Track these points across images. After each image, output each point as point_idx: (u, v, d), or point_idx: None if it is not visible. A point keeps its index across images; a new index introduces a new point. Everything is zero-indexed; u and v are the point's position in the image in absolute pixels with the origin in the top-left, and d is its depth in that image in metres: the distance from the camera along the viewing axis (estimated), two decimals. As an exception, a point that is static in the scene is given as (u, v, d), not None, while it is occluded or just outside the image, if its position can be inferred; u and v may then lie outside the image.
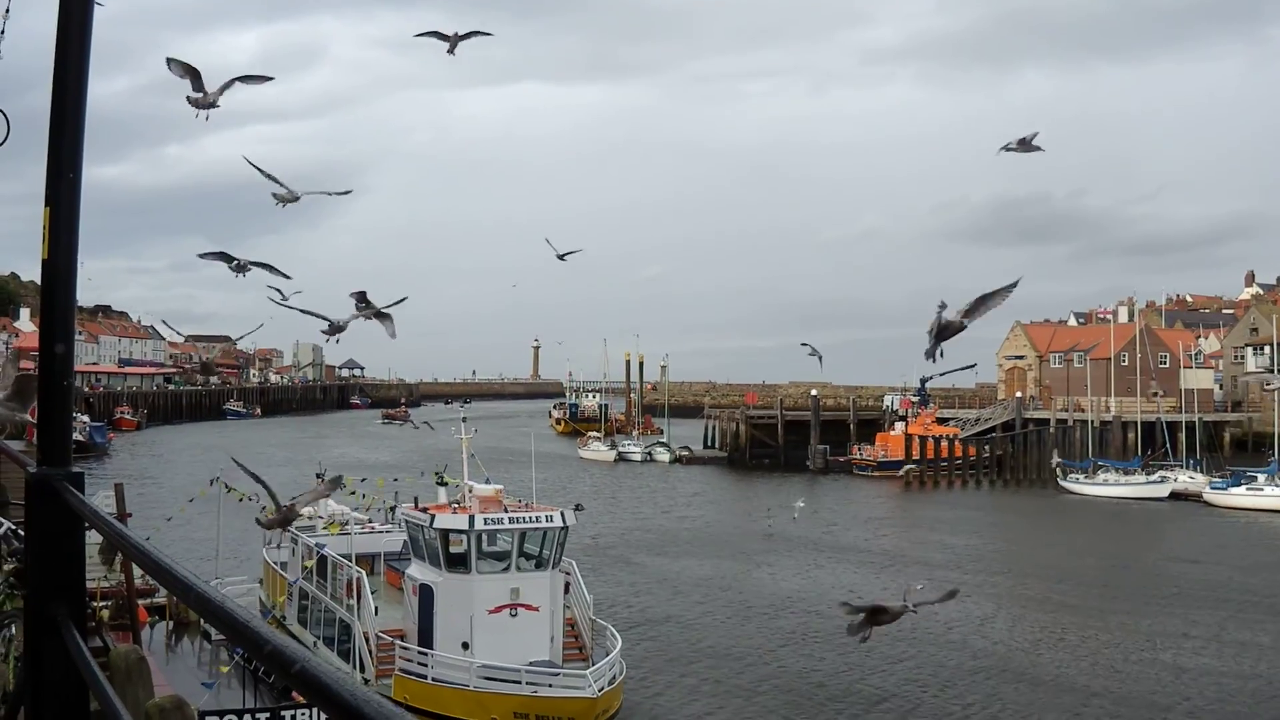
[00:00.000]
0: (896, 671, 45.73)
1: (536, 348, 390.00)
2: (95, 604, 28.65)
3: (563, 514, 37.26)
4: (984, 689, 43.41)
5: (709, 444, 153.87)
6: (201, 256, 15.72)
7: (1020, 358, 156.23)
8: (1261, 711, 41.10)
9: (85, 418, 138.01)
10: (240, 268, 15.55)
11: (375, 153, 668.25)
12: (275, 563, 45.36)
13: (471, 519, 35.92)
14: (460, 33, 16.61)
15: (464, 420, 43.12)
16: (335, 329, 15.31)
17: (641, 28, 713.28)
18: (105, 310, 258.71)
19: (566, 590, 37.91)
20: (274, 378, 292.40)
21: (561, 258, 28.15)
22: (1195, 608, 57.68)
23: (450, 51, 16.67)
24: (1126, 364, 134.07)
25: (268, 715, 29.85)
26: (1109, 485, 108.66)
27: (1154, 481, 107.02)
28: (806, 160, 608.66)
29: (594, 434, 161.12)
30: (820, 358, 28.22)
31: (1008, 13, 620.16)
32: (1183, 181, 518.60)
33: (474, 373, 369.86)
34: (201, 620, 44.57)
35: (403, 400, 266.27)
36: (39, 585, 4.98)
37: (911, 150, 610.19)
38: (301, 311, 14.48)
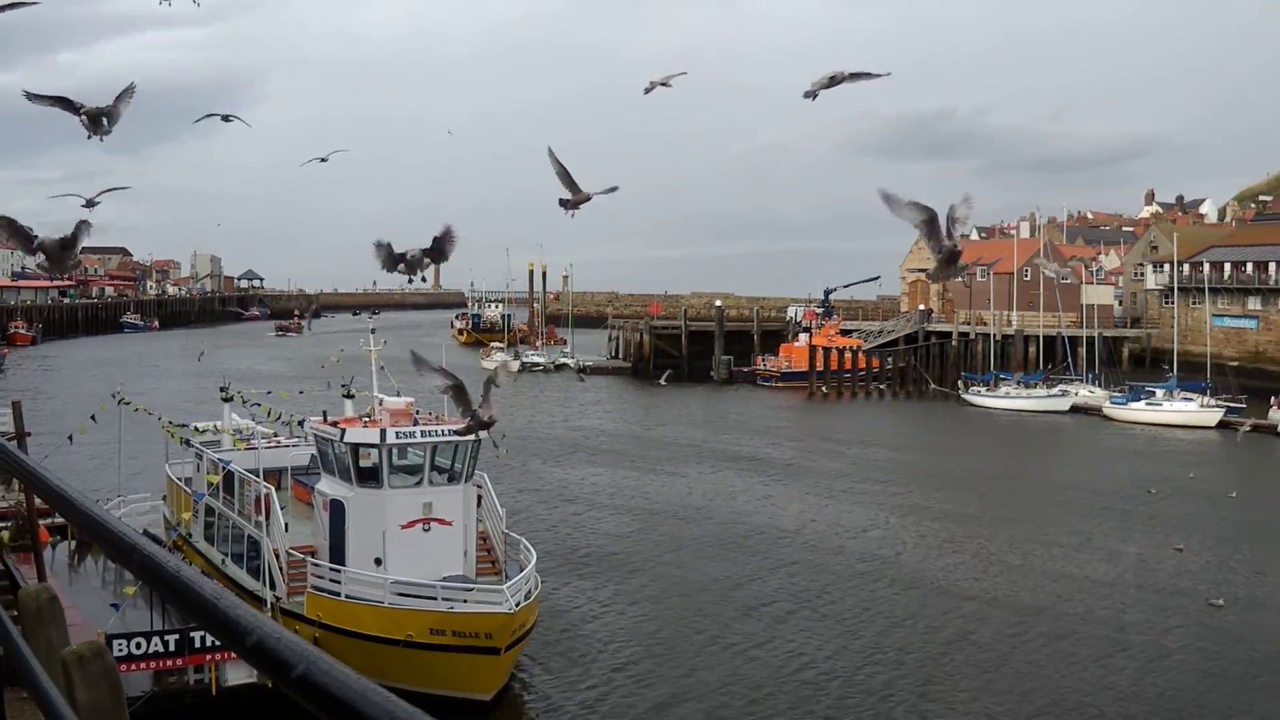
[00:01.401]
0: (791, 575, 46.53)
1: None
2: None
3: None
4: (872, 594, 44.08)
5: (614, 355, 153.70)
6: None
7: (924, 270, 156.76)
8: (1131, 615, 42.09)
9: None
10: (91, 205, 14.37)
11: (276, 61, 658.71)
12: (179, 479, 44.51)
13: (383, 432, 35.25)
14: None
15: (372, 331, 42.39)
16: None
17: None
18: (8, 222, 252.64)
19: (479, 504, 37.47)
20: (171, 290, 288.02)
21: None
22: (1088, 518, 58.66)
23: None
24: (1029, 279, 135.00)
25: (176, 636, 29.32)
26: (1010, 398, 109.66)
27: (1055, 395, 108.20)
28: (715, 69, 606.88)
29: (496, 344, 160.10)
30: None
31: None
32: (1087, 100, 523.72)
33: (375, 283, 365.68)
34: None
35: (295, 312, 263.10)
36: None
37: (821, 61, 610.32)
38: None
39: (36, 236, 10.46)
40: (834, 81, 13.35)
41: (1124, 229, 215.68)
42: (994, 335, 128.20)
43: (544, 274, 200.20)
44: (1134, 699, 34.06)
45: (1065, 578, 47.14)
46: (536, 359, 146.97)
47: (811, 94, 13.64)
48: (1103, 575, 47.54)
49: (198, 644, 29.31)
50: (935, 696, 34.14)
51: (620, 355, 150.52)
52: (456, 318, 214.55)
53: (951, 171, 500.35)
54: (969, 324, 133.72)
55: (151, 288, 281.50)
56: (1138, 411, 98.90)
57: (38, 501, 38.75)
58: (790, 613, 41.72)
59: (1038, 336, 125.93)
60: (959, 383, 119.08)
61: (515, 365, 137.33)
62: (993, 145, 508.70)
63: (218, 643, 29.37)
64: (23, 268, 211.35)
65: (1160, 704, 33.81)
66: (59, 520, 44.05)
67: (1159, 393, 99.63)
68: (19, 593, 6.38)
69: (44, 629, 6.06)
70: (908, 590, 44.88)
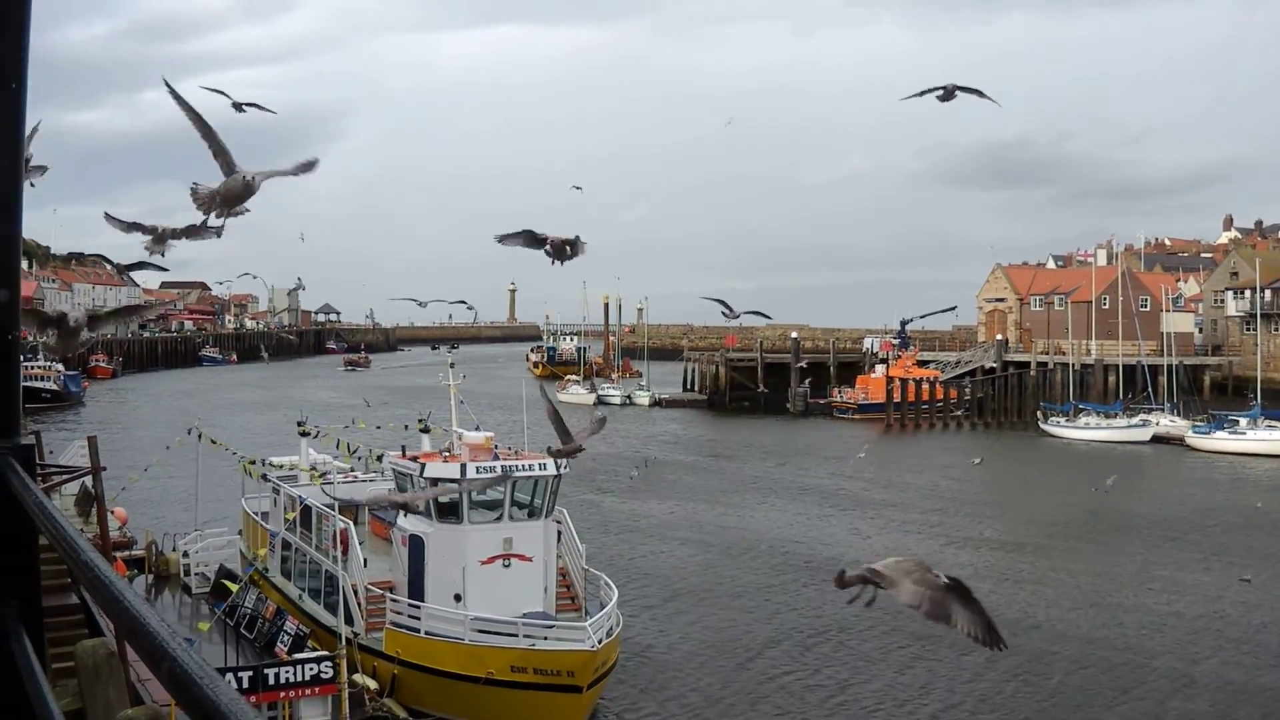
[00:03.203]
0: (889, 611, 45.59)
1: (513, 290, 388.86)
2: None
3: (555, 462, 36.37)
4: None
5: (688, 387, 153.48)
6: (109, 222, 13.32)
7: (1001, 300, 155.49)
8: (1232, 651, 41.14)
9: (60, 367, 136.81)
10: (160, 240, 13.81)
11: (355, 97, 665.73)
12: (256, 513, 44.42)
13: (463, 467, 34.98)
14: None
15: (451, 366, 42.20)
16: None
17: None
18: (79, 258, 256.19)
19: (559, 539, 37.11)
20: (249, 323, 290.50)
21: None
22: (1179, 551, 57.59)
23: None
24: (1107, 307, 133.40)
25: (250, 673, 29.09)
26: (1090, 429, 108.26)
27: (1136, 425, 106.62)
28: (792, 104, 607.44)
29: (572, 377, 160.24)
30: (729, 310, 26.22)
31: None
32: (1165, 126, 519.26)
33: (450, 316, 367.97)
34: (182, 574, 43.98)
35: (362, 347, 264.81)
36: (-18, 581, 4.10)
37: (897, 94, 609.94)
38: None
39: (65, 313, 10.10)
40: (948, 94, 12.95)
41: (1203, 255, 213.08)
42: (1073, 365, 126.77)
43: (619, 307, 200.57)
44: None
45: (1141, 610, 46.31)
46: (612, 392, 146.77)
47: (917, 95, 13.31)
48: (1187, 610, 46.63)
49: (272, 681, 29.06)
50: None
51: (696, 388, 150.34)
52: (532, 350, 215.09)
53: (1026, 199, 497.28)
54: (1047, 354, 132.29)
55: (230, 321, 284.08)
56: (1221, 441, 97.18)
57: (114, 533, 38.86)
58: (868, 645, 41.11)
59: (1117, 365, 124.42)
60: (1038, 413, 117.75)
61: (592, 398, 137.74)
62: (1070, 173, 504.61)
63: (293, 680, 29.19)
64: (104, 302, 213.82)
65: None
66: (138, 552, 44.24)
67: (1242, 421, 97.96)
68: (76, 648, 6.01)
69: (101, 688, 5.68)
70: (1013, 632, 43.90)
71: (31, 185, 11.50)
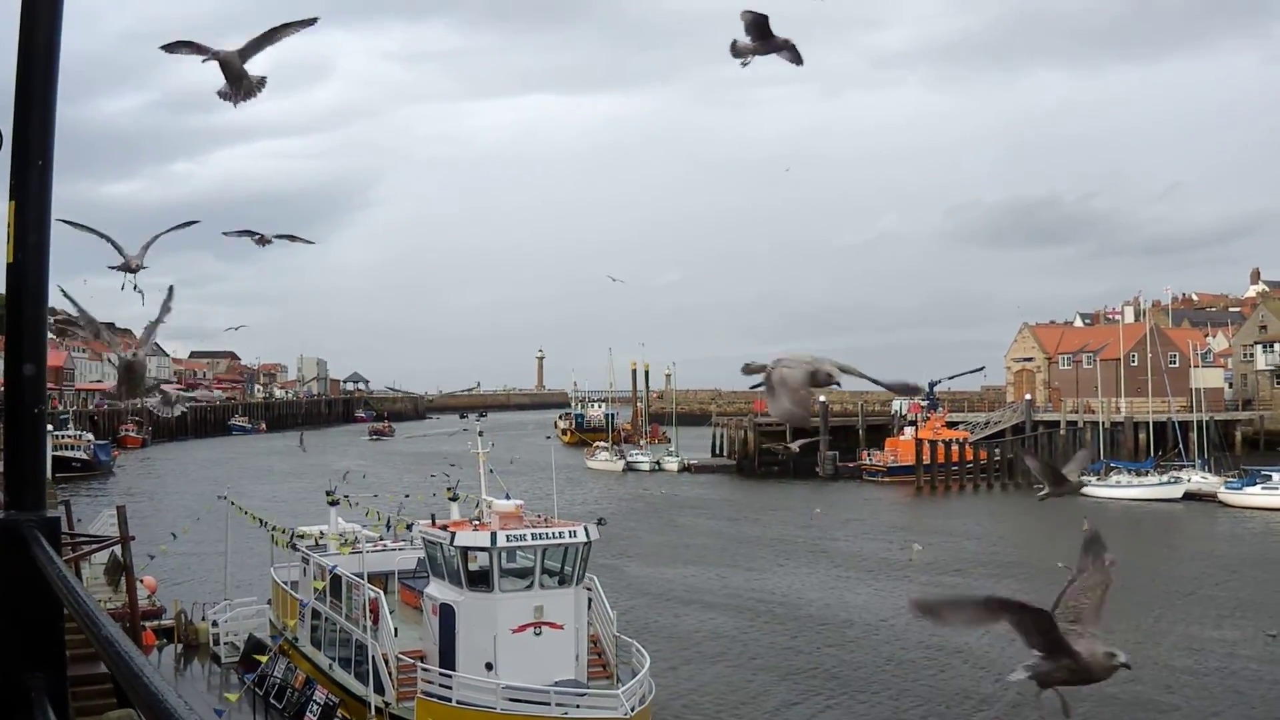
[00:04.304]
0: (903, 673, 45.68)
1: (541, 358, 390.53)
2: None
3: (585, 529, 36.31)
4: (1012, 699, 42.83)
5: (717, 452, 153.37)
6: (227, 235, 15.82)
7: (1029, 360, 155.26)
8: (1256, 706, 41.00)
9: (90, 436, 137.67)
10: (263, 240, 15.50)
11: (385, 166, 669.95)
12: (285, 582, 44.40)
13: (493, 536, 34.94)
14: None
15: (480, 434, 42.33)
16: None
17: (651, 36, 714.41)
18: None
19: (589, 606, 37.01)
20: (278, 393, 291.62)
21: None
22: (1203, 606, 57.25)
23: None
24: (1136, 364, 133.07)
25: (279, 743, 29.06)
26: (1122, 487, 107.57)
27: (1168, 482, 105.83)
28: (821, 167, 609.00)
29: (601, 444, 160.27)
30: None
31: (1017, 12, 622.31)
32: (1192, 181, 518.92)
33: (478, 384, 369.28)
34: (211, 643, 44.00)
35: (385, 416, 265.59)
36: (8, 653, 4.13)
37: (924, 155, 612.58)
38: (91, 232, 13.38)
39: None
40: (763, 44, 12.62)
41: (1230, 309, 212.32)
42: (1103, 423, 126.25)
43: (646, 372, 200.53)
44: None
45: (1178, 670, 45.92)
46: (641, 458, 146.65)
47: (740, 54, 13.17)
48: (1204, 665, 46.38)
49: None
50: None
51: (724, 453, 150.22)
52: (560, 417, 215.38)
53: (1054, 258, 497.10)
54: (1076, 412, 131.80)
55: (259, 391, 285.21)
56: (1254, 496, 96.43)
57: (143, 602, 38.92)
58: (901, 712, 40.81)
59: (1147, 423, 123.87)
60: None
61: (620, 465, 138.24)
62: (1097, 230, 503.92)
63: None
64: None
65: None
66: (167, 622, 44.28)
67: (1275, 476, 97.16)
68: (102, 718, 6.02)
69: (128, 760, 5.69)
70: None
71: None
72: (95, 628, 3.14)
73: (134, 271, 12.85)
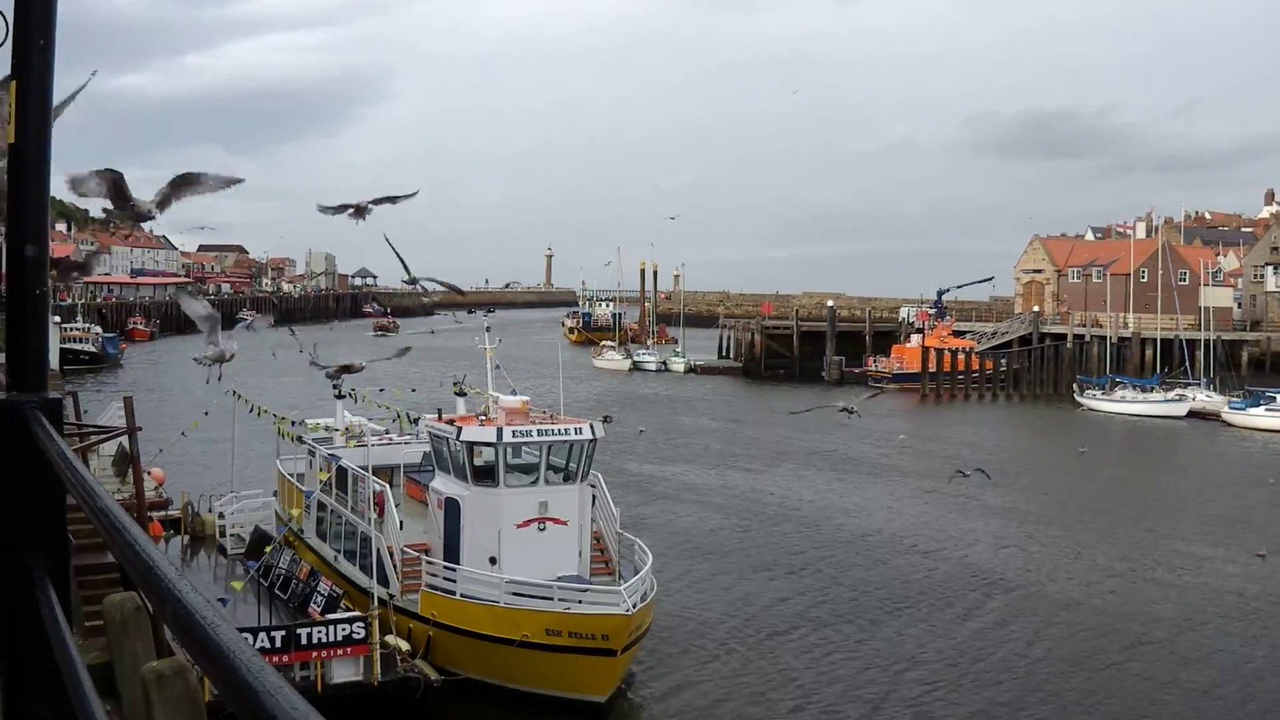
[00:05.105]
0: (899, 579, 46.36)
1: (549, 256, 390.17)
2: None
3: (591, 426, 36.34)
4: (993, 606, 43.24)
5: (724, 354, 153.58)
6: (321, 210, 15.00)
7: (1038, 271, 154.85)
8: (1237, 624, 41.29)
9: (98, 329, 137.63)
10: (360, 212, 14.74)
11: (396, 60, 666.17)
12: (290, 474, 44.60)
13: (499, 431, 35.03)
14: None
15: (488, 329, 42.29)
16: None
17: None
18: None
19: (594, 504, 37.16)
20: (286, 287, 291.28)
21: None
22: (1198, 525, 57.71)
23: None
24: (1146, 280, 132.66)
25: (283, 633, 29.30)
26: (1127, 402, 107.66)
27: (1172, 400, 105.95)
28: (836, 74, 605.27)
29: (608, 343, 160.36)
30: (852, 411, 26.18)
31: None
32: (1211, 99, 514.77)
33: (486, 281, 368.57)
34: (217, 535, 44.27)
35: (388, 312, 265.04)
36: (9, 532, 4.15)
37: (942, 64, 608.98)
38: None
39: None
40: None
41: (1243, 230, 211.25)
42: (1110, 338, 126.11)
43: (655, 273, 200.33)
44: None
45: (1164, 585, 46.43)
46: (647, 358, 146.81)
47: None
48: (1194, 581, 46.85)
49: (304, 640, 29.28)
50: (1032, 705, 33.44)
51: (731, 355, 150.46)
52: (568, 316, 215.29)
53: (1068, 171, 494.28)
54: (1084, 326, 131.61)
55: (266, 285, 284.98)
56: (1257, 417, 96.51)
57: (150, 493, 39.11)
58: (897, 617, 41.24)
59: (1155, 340, 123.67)
60: (1074, 386, 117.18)
61: (627, 364, 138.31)
62: (1113, 145, 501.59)
63: (325, 640, 29.38)
64: (142, 265, 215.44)
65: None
66: (174, 513, 44.52)
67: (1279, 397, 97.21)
68: (104, 602, 6.08)
69: (129, 641, 5.75)
70: (1018, 599, 44.11)
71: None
72: (93, 499, 3.15)
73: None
